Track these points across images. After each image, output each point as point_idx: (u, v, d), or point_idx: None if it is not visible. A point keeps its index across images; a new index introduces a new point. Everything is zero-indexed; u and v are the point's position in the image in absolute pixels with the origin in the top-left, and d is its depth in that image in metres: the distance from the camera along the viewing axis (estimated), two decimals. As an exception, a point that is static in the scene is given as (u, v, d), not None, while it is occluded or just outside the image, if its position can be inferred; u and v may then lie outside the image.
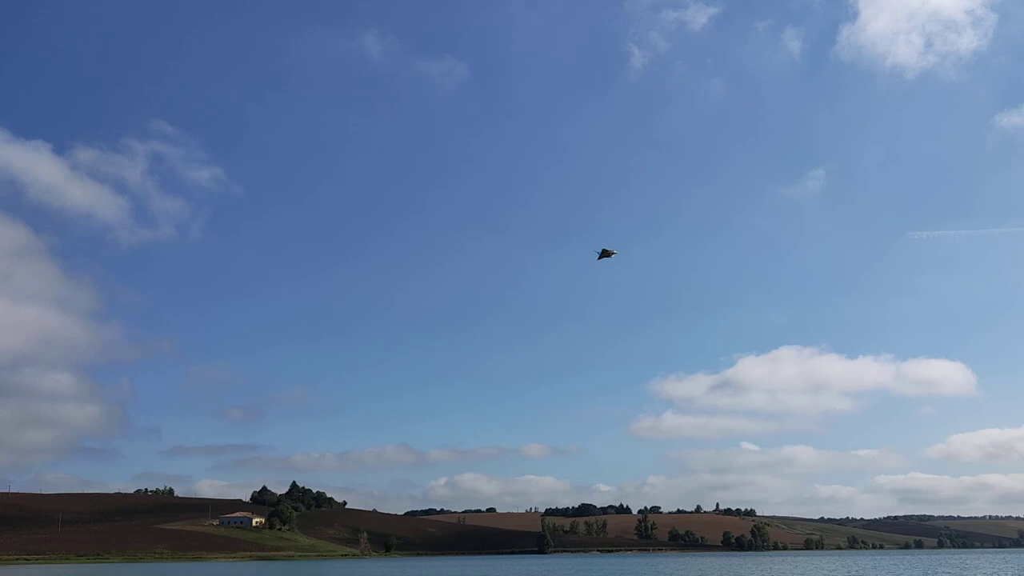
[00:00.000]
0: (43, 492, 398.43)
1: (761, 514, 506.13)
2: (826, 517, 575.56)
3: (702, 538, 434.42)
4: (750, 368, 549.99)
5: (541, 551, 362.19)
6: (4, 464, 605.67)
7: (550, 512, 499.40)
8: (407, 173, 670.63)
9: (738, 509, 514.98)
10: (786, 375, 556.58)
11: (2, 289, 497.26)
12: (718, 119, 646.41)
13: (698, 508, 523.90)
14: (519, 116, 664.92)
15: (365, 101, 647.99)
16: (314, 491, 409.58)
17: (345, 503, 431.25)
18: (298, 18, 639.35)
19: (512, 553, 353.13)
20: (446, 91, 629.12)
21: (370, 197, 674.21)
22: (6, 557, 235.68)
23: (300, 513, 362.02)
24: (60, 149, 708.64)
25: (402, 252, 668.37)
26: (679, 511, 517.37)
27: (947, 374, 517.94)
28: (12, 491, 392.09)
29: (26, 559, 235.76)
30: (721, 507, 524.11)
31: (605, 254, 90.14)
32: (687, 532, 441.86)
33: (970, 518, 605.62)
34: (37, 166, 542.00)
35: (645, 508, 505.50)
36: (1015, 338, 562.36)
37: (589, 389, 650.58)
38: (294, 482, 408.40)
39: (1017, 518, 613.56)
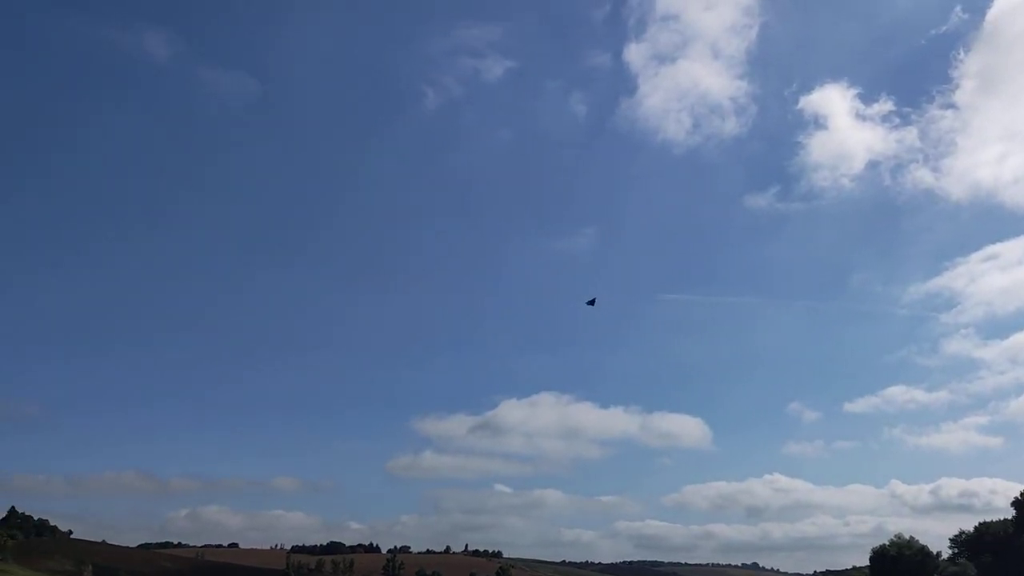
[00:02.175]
0: None
1: (508, 556, 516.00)
2: (568, 560, 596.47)
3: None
4: (510, 411, 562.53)
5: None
6: None
7: (297, 549, 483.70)
8: (177, 182, 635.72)
9: (486, 551, 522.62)
10: (544, 420, 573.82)
11: None
12: (504, 168, 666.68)
13: (447, 549, 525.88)
14: (306, 139, 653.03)
15: (146, 106, 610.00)
16: (36, 518, 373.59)
17: (71, 532, 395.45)
18: (71, 8, 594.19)
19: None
20: (235, 105, 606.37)
21: (132, 203, 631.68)
22: None
23: (17, 542, 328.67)
24: None
25: (153, 261, 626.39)
26: (429, 551, 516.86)
27: (687, 428, 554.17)
28: None
29: None
30: (470, 548, 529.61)
31: (591, 302, 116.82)
32: (434, 572, 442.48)
33: (696, 564, 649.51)
34: None
35: (395, 547, 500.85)
36: (746, 399, 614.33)
37: (348, 424, 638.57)
38: (13, 507, 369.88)
39: (735, 566, 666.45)
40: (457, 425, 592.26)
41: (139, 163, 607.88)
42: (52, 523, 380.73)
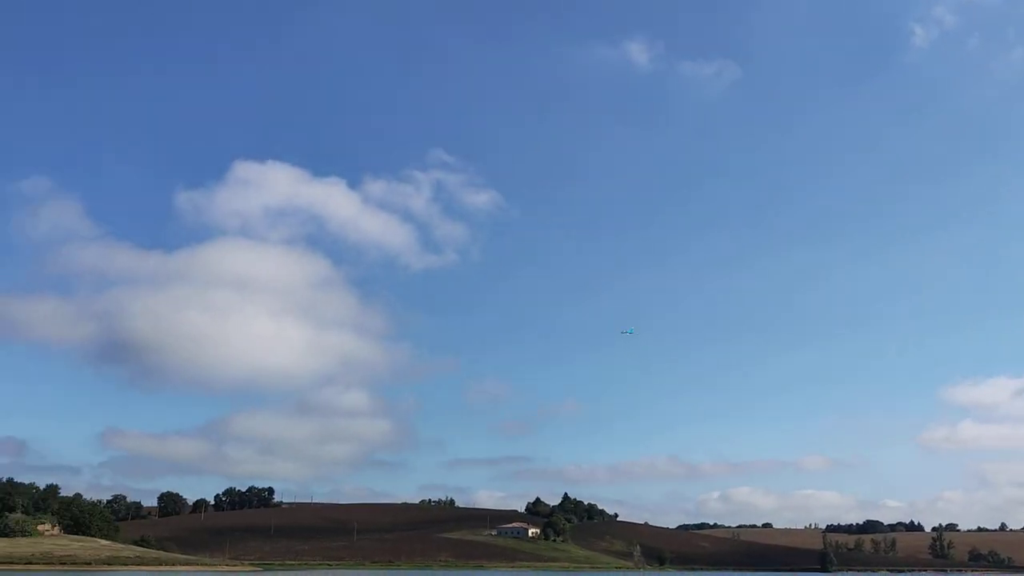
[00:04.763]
0: (340, 503, 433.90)
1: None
2: None
3: (1009, 559, 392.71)
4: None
5: (824, 569, 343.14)
6: (308, 476, 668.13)
7: (831, 528, 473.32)
8: (679, 182, 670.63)
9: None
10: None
11: (309, 317, 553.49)
12: (1020, 95, 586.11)
13: (1003, 526, 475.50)
14: (791, 110, 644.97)
15: (635, 112, 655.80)
16: (585, 503, 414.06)
17: (617, 515, 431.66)
18: (561, 34, 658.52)
19: (792, 571, 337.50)
20: (717, 92, 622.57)
21: (643, 209, 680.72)
22: (312, 563, 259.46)
23: (572, 525, 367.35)
24: (353, 183, 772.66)
25: (675, 261, 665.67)
26: (980, 529, 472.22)
27: None
28: (315, 501, 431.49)
29: (328, 565, 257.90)
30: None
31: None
32: (990, 552, 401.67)
33: None
34: (334, 201, 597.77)
35: (940, 525, 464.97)
36: None
37: (872, 397, 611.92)
38: (566, 494, 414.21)
39: None
40: (998, 389, 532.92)
41: (654, 169, 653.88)
42: (600, 507, 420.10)
